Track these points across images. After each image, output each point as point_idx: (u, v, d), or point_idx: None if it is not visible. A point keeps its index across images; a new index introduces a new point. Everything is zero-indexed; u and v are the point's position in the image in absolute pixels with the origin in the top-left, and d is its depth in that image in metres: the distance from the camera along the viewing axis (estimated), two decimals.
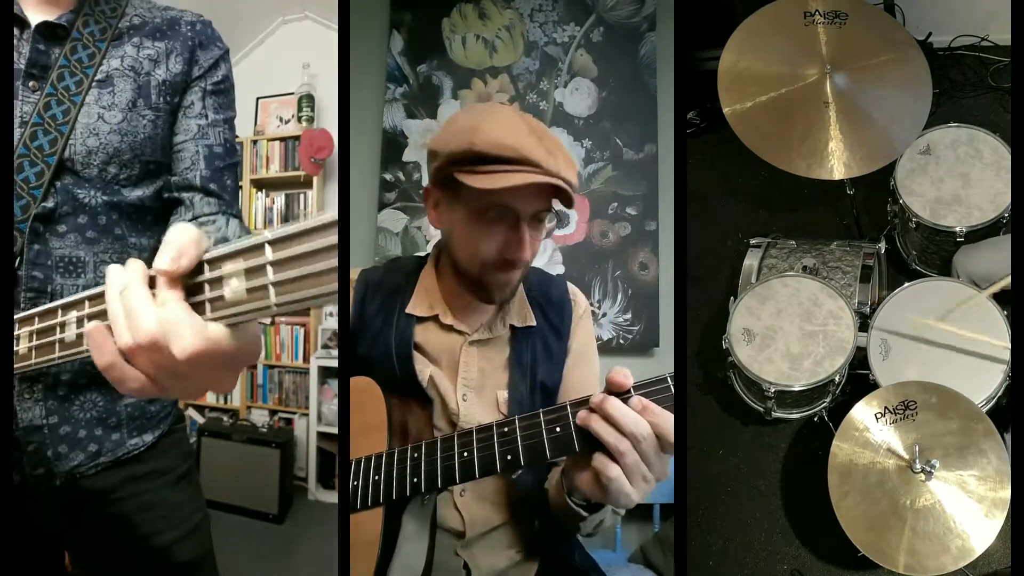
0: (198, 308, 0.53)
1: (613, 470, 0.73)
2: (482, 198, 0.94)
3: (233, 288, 0.51)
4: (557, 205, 1.00)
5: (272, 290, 0.49)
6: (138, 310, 0.52)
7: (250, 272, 0.50)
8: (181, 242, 0.52)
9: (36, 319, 0.66)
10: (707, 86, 1.49)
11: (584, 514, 0.90)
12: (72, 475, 0.92)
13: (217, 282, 0.52)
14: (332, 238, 0.47)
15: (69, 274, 0.89)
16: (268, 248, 0.49)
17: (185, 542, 1.00)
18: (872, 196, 1.70)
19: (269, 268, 0.49)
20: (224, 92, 1.01)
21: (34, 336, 0.66)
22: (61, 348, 0.63)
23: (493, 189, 0.89)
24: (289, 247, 0.48)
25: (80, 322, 0.61)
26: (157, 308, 0.52)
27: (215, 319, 0.52)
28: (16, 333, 0.68)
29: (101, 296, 0.59)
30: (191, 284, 0.53)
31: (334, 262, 0.47)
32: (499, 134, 0.92)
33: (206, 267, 0.53)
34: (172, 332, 0.51)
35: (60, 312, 0.63)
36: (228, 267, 0.51)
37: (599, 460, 0.74)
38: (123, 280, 0.54)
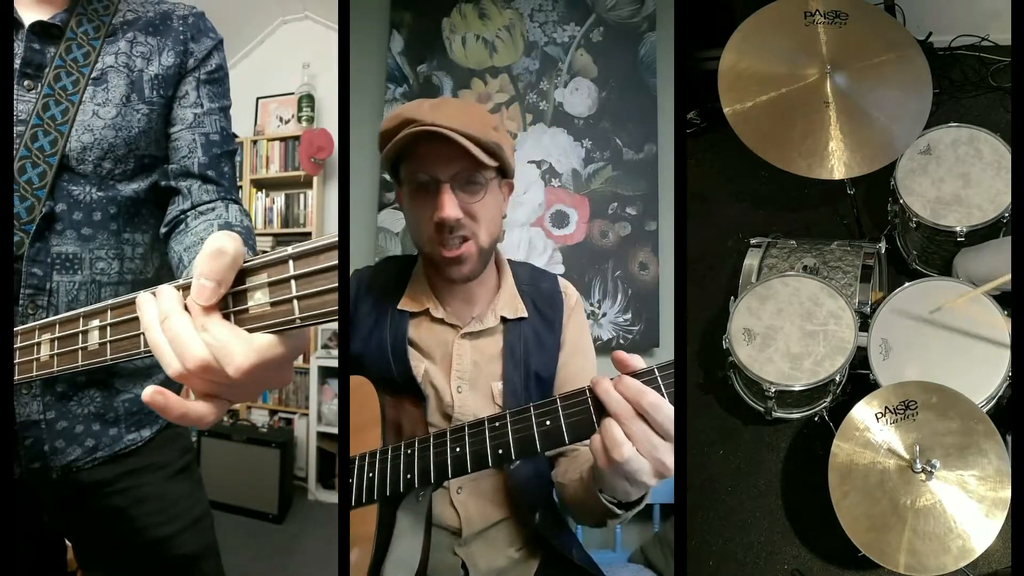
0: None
1: (628, 449, 0.71)
2: (407, 173, 1.00)
3: (257, 301, 0.52)
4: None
5: (296, 304, 0.50)
6: (183, 338, 0.52)
7: (274, 286, 0.51)
8: (219, 270, 0.51)
9: (57, 326, 0.66)
10: (707, 86, 1.49)
11: (617, 512, 0.88)
12: (68, 469, 0.92)
13: (240, 295, 0.52)
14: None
15: (66, 271, 0.89)
16: (291, 263, 0.50)
17: (185, 535, 1.01)
18: (872, 196, 1.70)
19: (293, 282, 0.50)
20: (218, 81, 1.02)
21: (56, 344, 0.66)
22: (84, 357, 0.64)
23: (384, 155, 0.97)
24: (311, 262, 0.49)
25: (103, 331, 0.62)
26: (201, 333, 0.52)
27: None
28: (36, 340, 0.68)
29: (123, 306, 0.60)
30: None
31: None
32: (392, 112, 0.99)
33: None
34: (222, 354, 0.51)
35: (82, 320, 0.64)
36: (251, 280, 0.52)
37: (608, 433, 0.72)
38: (162, 310, 0.54)
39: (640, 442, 0.70)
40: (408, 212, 1.04)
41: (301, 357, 3.40)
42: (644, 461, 0.71)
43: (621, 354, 0.75)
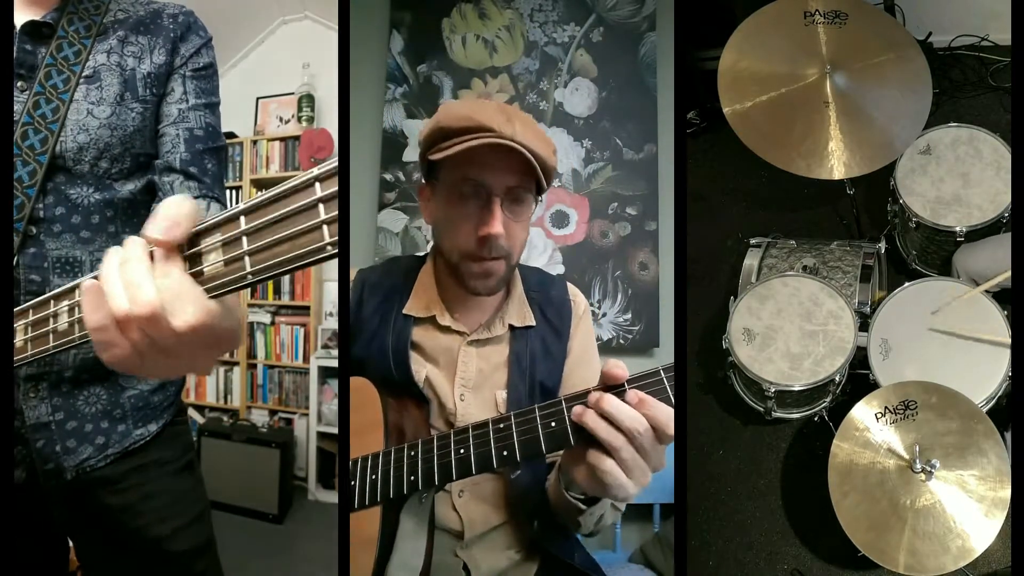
0: None
1: (607, 464, 0.72)
2: (456, 175, 0.95)
3: (211, 262, 0.51)
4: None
5: (247, 259, 0.49)
6: (139, 281, 0.51)
7: (227, 245, 0.50)
8: (175, 212, 0.51)
9: (30, 312, 0.67)
10: (707, 86, 1.49)
11: (582, 507, 0.91)
12: (82, 468, 0.94)
13: (196, 258, 0.52)
14: (306, 198, 0.47)
15: (66, 274, 0.90)
16: (243, 219, 0.49)
17: (188, 530, 1.02)
18: (872, 196, 1.70)
19: (244, 238, 0.49)
20: (206, 78, 1.01)
21: (29, 328, 0.67)
22: (55, 338, 0.64)
23: (450, 155, 0.91)
24: (263, 214, 0.49)
25: (72, 311, 0.62)
26: (158, 279, 0.51)
27: None
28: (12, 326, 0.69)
29: None
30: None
31: (311, 221, 0.47)
32: (459, 110, 0.94)
33: (184, 244, 0.53)
34: (174, 303, 0.50)
35: (52, 303, 0.64)
36: (205, 242, 0.52)
37: (593, 455, 0.74)
38: (125, 254, 0.53)
39: (632, 470, 0.73)
40: (442, 214, 1.00)
41: (301, 357, 3.40)
42: (632, 484, 0.73)
43: (610, 370, 0.76)
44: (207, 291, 0.51)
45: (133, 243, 0.53)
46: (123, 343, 0.53)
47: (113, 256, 0.54)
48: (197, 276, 0.52)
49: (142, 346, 0.52)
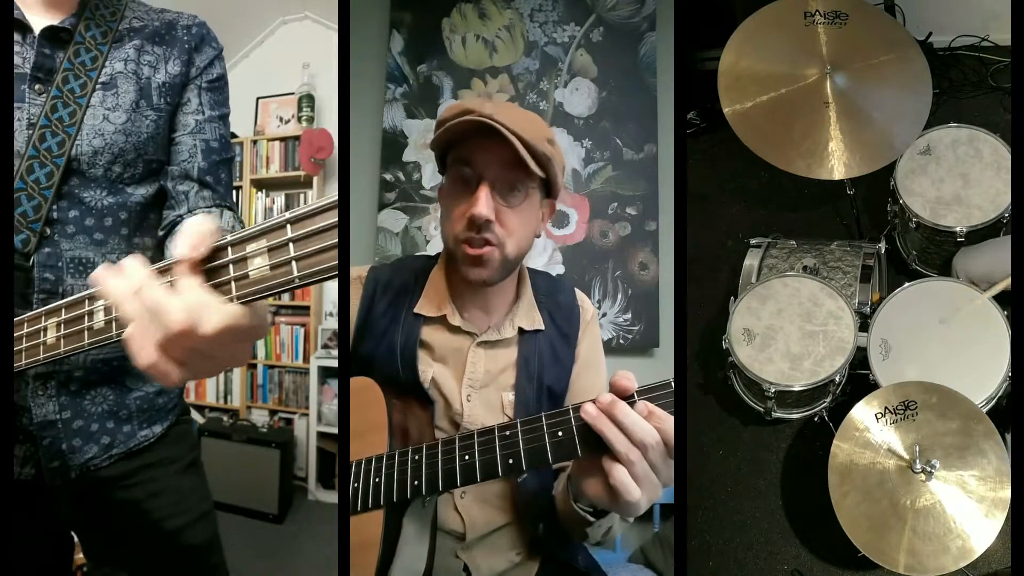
0: (223, 288, 0.56)
1: (623, 475, 0.72)
2: (453, 163, 0.99)
3: (257, 266, 0.55)
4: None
5: (295, 264, 0.53)
6: (162, 305, 0.54)
7: (272, 250, 0.54)
8: (199, 231, 0.56)
9: (63, 310, 0.69)
10: (707, 86, 1.49)
11: (591, 519, 0.90)
12: (86, 467, 0.95)
13: (240, 262, 0.56)
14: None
15: (79, 274, 0.91)
16: (288, 227, 0.53)
17: (194, 527, 1.04)
18: (872, 196, 1.70)
19: (291, 245, 0.53)
20: (219, 89, 1.05)
21: (62, 326, 0.69)
22: (91, 335, 0.67)
23: (435, 140, 0.97)
24: (307, 224, 0.53)
25: (108, 310, 0.65)
26: (179, 297, 0.55)
27: (241, 296, 0.55)
28: (43, 324, 0.71)
29: None
30: (214, 266, 0.57)
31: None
32: (456, 102, 0.99)
33: (229, 249, 0.57)
34: (199, 314, 0.54)
35: (87, 302, 0.67)
36: (251, 247, 0.56)
37: (608, 464, 0.73)
38: (131, 282, 0.57)
39: (644, 484, 0.72)
40: (443, 204, 1.02)
41: (301, 357, 3.41)
42: (644, 499, 0.73)
43: (618, 380, 0.75)
44: (253, 293, 0.56)
45: (136, 268, 0.57)
46: (175, 368, 0.57)
47: (118, 284, 0.57)
48: (242, 279, 0.56)
49: (186, 359, 0.57)
